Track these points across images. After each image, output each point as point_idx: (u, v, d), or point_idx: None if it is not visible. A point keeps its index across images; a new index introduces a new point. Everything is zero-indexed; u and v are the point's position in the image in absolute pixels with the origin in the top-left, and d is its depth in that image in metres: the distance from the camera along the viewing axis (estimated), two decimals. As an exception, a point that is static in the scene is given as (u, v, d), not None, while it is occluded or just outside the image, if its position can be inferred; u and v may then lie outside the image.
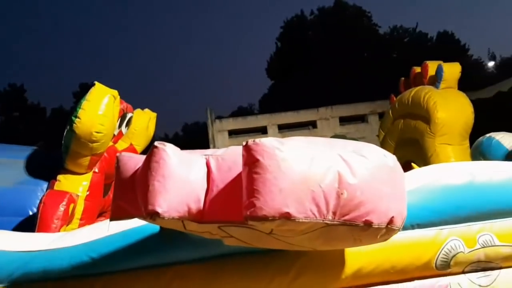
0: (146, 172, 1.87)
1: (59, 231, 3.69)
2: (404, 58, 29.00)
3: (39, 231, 3.68)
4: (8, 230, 4.11)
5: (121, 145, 5.36)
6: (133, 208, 1.94)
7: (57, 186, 4.15)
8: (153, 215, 1.81)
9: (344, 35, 32.64)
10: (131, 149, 5.56)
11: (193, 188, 1.90)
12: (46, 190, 4.24)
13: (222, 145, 23.38)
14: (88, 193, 4.29)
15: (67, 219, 3.84)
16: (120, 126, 5.09)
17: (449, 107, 6.33)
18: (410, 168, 6.86)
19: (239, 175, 1.88)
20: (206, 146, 25.20)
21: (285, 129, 22.81)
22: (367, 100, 20.44)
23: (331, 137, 19.38)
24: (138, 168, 1.98)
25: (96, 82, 4.18)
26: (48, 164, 4.46)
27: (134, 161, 2.04)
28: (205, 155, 2.02)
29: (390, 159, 1.95)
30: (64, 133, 4.14)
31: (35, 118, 46.55)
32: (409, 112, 6.89)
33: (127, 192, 1.98)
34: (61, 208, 3.78)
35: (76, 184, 4.21)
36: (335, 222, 1.80)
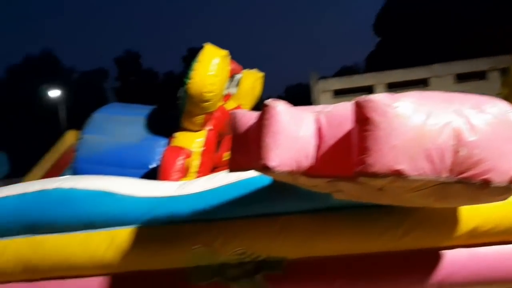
0: (259, 128, 1.96)
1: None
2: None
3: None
4: None
5: (230, 105, 5.58)
6: (248, 161, 2.05)
7: (175, 142, 4.50)
8: (265, 169, 1.90)
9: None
10: (239, 109, 5.76)
11: (303, 144, 1.95)
12: (166, 146, 4.61)
13: (327, 105, 22.94)
14: (203, 148, 4.57)
15: (184, 172, 4.17)
16: (229, 87, 5.27)
17: None
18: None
19: (350, 131, 1.89)
20: (309, 104, 24.96)
21: (393, 88, 21.72)
22: (487, 55, 18.62)
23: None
24: (252, 124, 2.08)
25: (206, 43, 4.33)
26: (166, 121, 4.82)
27: (247, 118, 2.14)
28: (315, 111, 2.05)
29: (514, 114, 1.81)
30: (179, 93, 4.42)
31: (148, 82, 49.84)
32: (537, 66, 6.22)
33: (243, 146, 2.11)
34: (179, 162, 4.11)
35: (192, 141, 4.51)
36: (451, 180, 1.74)
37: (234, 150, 2.17)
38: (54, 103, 31.33)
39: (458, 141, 1.72)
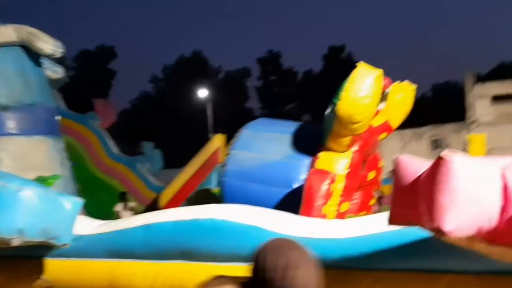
0: (431, 184, 1.72)
1: (321, 208, 3.90)
2: None
3: (304, 207, 3.98)
4: (277, 199, 4.64)
5: (376, 120, 5.28)
6: (415, 216, 1.83)
7: (319, 163, 4.38)
8: (439, 232, 1.66)
9: None
10: (385, 125, 5.42)
11: (486, 205, 1.67)
12: (309, 166, 4.52)
13: (483, 112, 20.76)
14: (348, 171, 4.38)
15: (328, 198, 4.03)
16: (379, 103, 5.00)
17: None
18: None
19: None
20: (461, 110, 23.02)
21: None
22: None
23: None
24: (421, 175, 1.84)
25: (360, 62, 4.11)
26: (310, 140, 4.73)
27: (414, 167, 1.90)
28: (501, 167, 1.74)
29: None
30: (326, 113, 4.27)
31: (288, 81, 50.80)
32: None
33: (408, 199, 1.88)
34: (324, 188, 3.99)
35: (336, 162, 4.35)
36: None
37: (396, 201, 1.95)
38: (202, 102, 33.74)
39: None
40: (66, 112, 11.35)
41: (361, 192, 5.17)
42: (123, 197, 10.16)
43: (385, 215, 2.08)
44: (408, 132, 21.40)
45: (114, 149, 13.17)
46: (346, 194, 4.40)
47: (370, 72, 4.03)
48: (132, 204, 10.31)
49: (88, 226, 3.13)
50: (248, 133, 5.14)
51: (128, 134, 34.13)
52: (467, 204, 1.66)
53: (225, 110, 44.86)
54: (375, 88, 4.02)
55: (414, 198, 1.83)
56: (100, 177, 12.38)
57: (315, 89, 44.84)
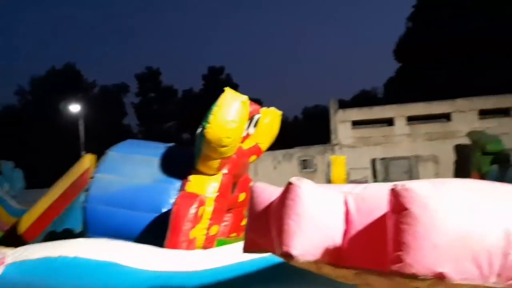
0: (281, 209, 1.76)
1: (189, 233, 3.83)
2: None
3: (171, 232, 3.87)
4: (145, 225, 4.46)
5: (247, 143, 5.43)
6: (267, 243, 1.86)
7: (189, 186, 4.32)
8: (287, 256, 1.71)
9: (486, 13, 29.45)
10: (256, 148, 5.61)
11: (330, 230, 1.75)
12: (179, 189, 4.43)
13: (345, 136, 22.81)
14: (217, 194, 4.40)
15: (197, 222, 3.97)
16: (248, 127, 5.14)
17: None
18: None
19: (382, 219, 1.69)
20: (327, 132, 24.89)
21: (414, 120, 21.46)
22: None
23: (468, 132, 17.72)
24: (273, 201, 1.89)
25: (226, 88, 4.21)
26: (181, 162, 4.65)
27: (268, 193, 1.95)
28: (343, 192, 1.85)
29: None
30: (196, 136, 4.27)
31: (168, 99, 50.19)
32: None
33: (261, 225, 1.91)
34: (192, 211, 3.93)
35: (206, 185, 4.34)
36: (499, 286, 1.54)
37: (251, 228, 1.97)
38: (75, 117, 31.65)
39: (508, 243, 1.52)
40: None
41: (232, 213, 5.23)
42: None
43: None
44: (279, 153, 22.50)
45: (-34, 169, 11.75)
46: (216, 217, 4.39)
47: (237, 97, 4.15)
48: None
49: None
50: (115, 155, 4.90)
51: (-14, 151, 30.66)
52: (313, 229, 1.72)
53: (100, 126, 42.67)
54: (241, 113, 4.15)
55: (267, 225, 1.87)
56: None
57: (195, 108, 44.88)
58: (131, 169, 4.67)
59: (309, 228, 1.71)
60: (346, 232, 1.76)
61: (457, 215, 1.52)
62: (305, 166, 22.50)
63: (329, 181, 9.96)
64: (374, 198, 1.76)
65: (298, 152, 22.80)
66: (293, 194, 1.75)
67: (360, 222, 1.75)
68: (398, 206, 1.56)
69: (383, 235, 1.63)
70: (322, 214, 1.74)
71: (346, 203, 1.79)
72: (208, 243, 4.43)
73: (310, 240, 1.71)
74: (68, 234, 7.01)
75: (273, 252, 1.83)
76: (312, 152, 22.56)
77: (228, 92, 4.16)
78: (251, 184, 2.04)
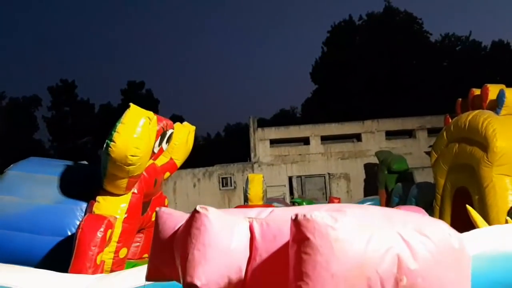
0: (186, 238, 1.73)
1: (96, 257, 3.64)
2: (455, 67, 27.94)
3: (76, 257, 3.66)
4: (47, 249, 4.17)
5: (161, 159, 5.33)
6: (171, 271, 1.82)
7: (96, 207, 4.11)
8: (191, 287, 1.67)
9: (393, 42, 31.79)
10: (171, 163, 5.52)
11: (235, 258, 1.74)
12: (85, 210, 4.22)
13: (264, 153, 23.30)
14: (126, 215, 4.23)
15: (104, 245, 3.78)
16: (160, 143, 5.06)
17: (510, 136, 5.94)
18: (466, 195, 6.45)
19: (285, 245, 1.72)
20: (248, 149, 25.23)
21: (328, 140, 22.49)
22: (416, 114, 19.83)
23: (376, 152, 18.69)
24: (178, 228, 1.85)
25: (131, 104, 4.09)
26: (87, 182, 4.44)
27: (173, 220, 1.91)
28: (249, 218, 1.86)
29: (455, 240, 1.72)
30: (101, 155, 4.10)
31: (84, 113, 48.01)
32: (465, 136, 6.53)
33: (165, 253, 1.86)
34: (99, 235, 3.72)
35: (114, 206, 4.15)
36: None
37: (155, 255, 1.91)
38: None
39: (400, 268, 1.61)
40: None
41: (144, 234, 5.07)
42: None
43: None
44: (199, 170, 22.36)
45: None
46: (125, 239, 4.22)
47: (142, 113, 4.03)
48: None
49: None
50: (14, 174, 4.54)
51: None
52: (218, 258, 1.71)
53: (9, 141, 39.71)
54: (147, 129, 4.02)
55: (171, 252, 1.83)
56: None
57: (112, 123, 43.12)
58: (32, 190, 4.37)
59: (215, 257, 1.69)
60: (250, 259, 1.76)
61: (354, 243, 1.57)
62: (225, 184, 22.55)
63: (246, 198, 10.01)
64: (279, 224, 1.78)
65: (218, 170, 22.81)
66: (198, 223, 1.73)
67: (264, 249, 1.76)
68: (300, 236, 1.59)
69: (285, 261, 1.66)
70: (227, 242, 1.73)
71: (251, 229, 1.81)
72: (117, 266, 4.23)
73: (215, 270, 1.69)
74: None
75: (178, 281, 1.79)
76: (232, 169, 22.68)
77: (133, 108, 4.02)
78: (157, 209, 1.98)
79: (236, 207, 10.05)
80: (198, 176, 22.15)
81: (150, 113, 4.10)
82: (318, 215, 1.64)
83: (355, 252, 1.56)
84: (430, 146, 8.91)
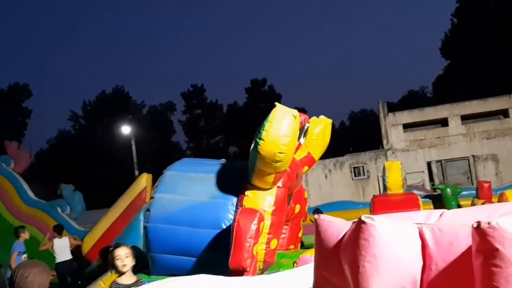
0: (354, 250, 1.67)
1: (252, 248, 3.91)
2: None
3: (235, 249, 3.96)
4: (206, 241, 4.52)
5: (299, 154, 5.40)
6: (340, 281, 1.77)
7: (246, 201, 4.39)
8: (367, 299, 1.61)
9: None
10: (309, 157, 5.57)
11: (408, 268, 1.65)
12: (236, 204, 4.53)
13: (397, 139, 22.19)
14: (274, 208, 4.44)
15: (258, 237, 4.04)
16: (299, 138, 5.12)
17: None
18: None
19: (466, 253, 1.57)
20: (377, 137, 24.30)
21: (469, 119, 20.61)
22: None
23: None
24: (343, 237, 1.80)
25: (277, 103, 4.23)
26: (235, 178, 4.73)
27: (336, 228, 1.86)
28: (417, 224, 1.74)
29: None
30: (250, 152, 4.31)
31: (214, 114, 50.91)
32: None
33: (331, 262, 1.82)
34: (253, 227, 3.97)
35: (262, 200, 4.40)
36: None
37: (320, 265, 1.89)
38: (126, 138, 32.69)
39: None
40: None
41: (289, 225, 5.22)
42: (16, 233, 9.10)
43: (304, 270, 2.02)
44: (330, 161, 22.17)
45: (30, 194, 12.33)
46: (274, 231, 4.46)
47: (287, 112, 4.16)
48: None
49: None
50: (172, 174, 5.01)
51: (47, 176, 32.16)
52: (390, 268, 1.63)
53: (151, 145, 43.80)
54: (293, 127, 4.15)
55: (337, 262, 1.79)
56: (16, 226, 11.48)
57: (240, 121, 45.29)
58: (188, 187, 4.77)
59: (387, 269, 1.61)
60: (425, 268, 1.65)
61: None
62: (358, 173, 22.04)
63: (385, 187, 9.61)
64: (453, 229, 1.64)
65: (349, 160, 22.35)
66: (366, 234, 1.66)
67: (439, 256, 1.63)
68: (486, 246, 1.44)
69: (468, 270, 1.52)
70: (398, 252, 1.64)
71: (422, 236, 1.69)
72: (269, 257, 4.51)
73: (389, 282, 1.61)
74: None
75: (348, 291, 1.75)
76: (364, 158, 22.05)
77: (279, 107, 4.16)
78: (315, 216, 1.96)
79: (374, 196, 9.73)
80: (328, 166, 21.98)
81: (295, 111, 4.25)
82: (505, 222, 1.47)
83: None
84: None
